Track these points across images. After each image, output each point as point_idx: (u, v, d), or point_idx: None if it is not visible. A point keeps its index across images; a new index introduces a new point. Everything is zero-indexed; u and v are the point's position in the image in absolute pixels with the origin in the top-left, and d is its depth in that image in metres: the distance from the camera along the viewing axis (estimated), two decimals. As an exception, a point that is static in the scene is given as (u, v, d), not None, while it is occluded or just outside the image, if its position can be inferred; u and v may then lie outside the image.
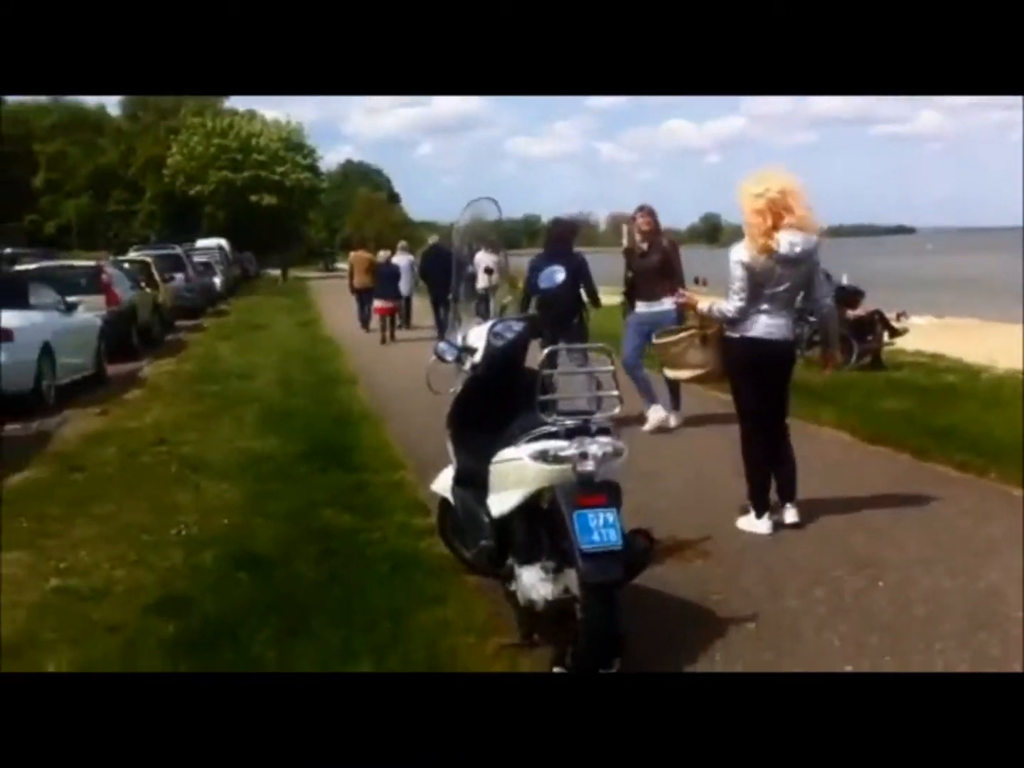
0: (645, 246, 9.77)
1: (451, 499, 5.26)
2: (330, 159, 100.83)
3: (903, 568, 5.56)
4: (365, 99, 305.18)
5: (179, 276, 27.58)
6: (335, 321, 25.35)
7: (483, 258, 21.14)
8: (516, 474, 4.39)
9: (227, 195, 62.18)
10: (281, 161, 63.52)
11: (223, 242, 44.54)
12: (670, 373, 6.81)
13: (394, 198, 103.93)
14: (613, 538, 4.08)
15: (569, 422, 4.31)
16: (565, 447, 4.26)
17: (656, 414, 9.71)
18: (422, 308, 21.96)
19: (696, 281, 9.96)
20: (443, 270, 19.35)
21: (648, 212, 9.81)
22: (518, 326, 5.17)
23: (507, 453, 4.48)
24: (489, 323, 5.14)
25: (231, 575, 5.60)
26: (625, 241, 10.51)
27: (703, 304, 6.42)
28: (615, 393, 4.44)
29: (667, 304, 9.36)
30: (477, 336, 5.13)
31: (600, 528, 4.09)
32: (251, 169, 62.23)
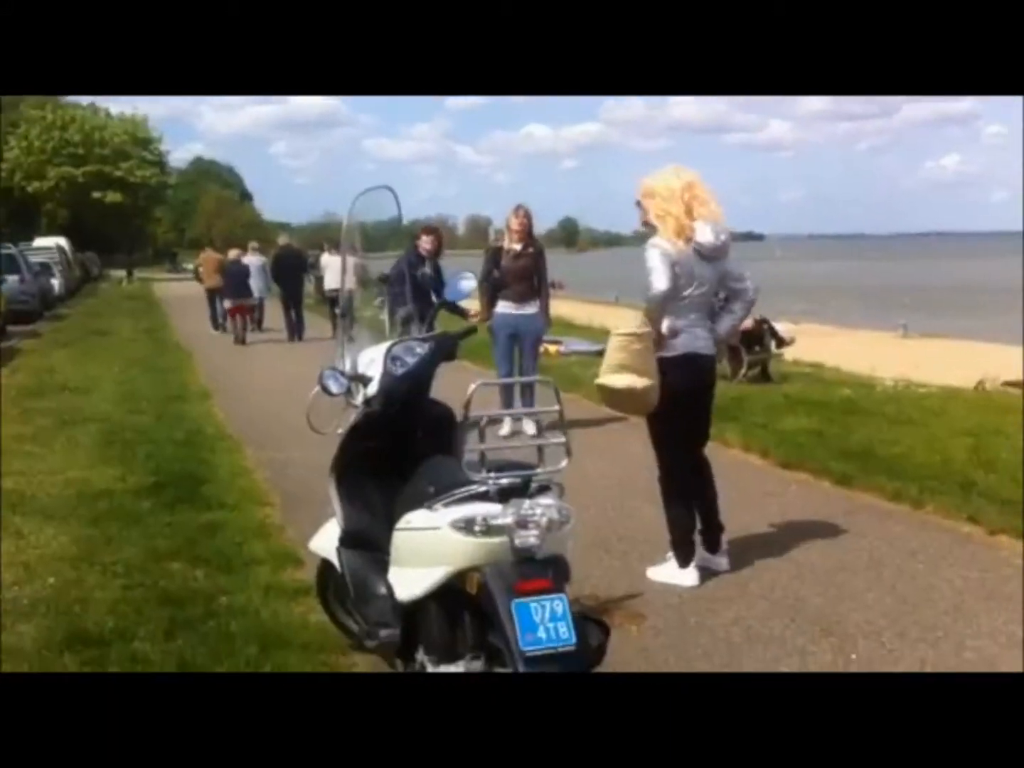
0: (518, 247, 9.35)
1: (335, 563, 4.19)
2: (180, 156, 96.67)
3: (873, 635, 4.72)
4: (215, 95, 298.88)
5: (13, 278, 25.47)
6: (184, 326, 24.01)
7: (330, 260, 20.69)
8: (432, 547, 3.37)
9: (68, 192, 59.07)
10: (126, 156, 60.64)
11: (63, 241, 41.83)
12: (621, 381, 5.23)
13: (246, 197, 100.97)
14: (564, 635, 3.12)
15: (504, 480, 3.31)
16: (498, 514, 3.26)
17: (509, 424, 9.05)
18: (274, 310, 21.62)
19: (553, 285, 10.20)
20: (294, 272, 20.74)
21: (524, 213, 9.41)
22: (422, 348, 4.12)
23: (418, 518, 3.45)
24: (385, 345, 4.09)
25: (56, 659, 4.40)
26: (495, 240, 9.99)
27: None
28: (562, 439, 3.43)
29: (534, 307, 9.36)
30: (370, 361, 4.08)
31: (546, 622, 3.12)
32: (94, 164, 59.18)
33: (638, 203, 5.48)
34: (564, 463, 3.40)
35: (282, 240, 23.21)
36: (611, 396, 5.35)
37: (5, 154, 57.69)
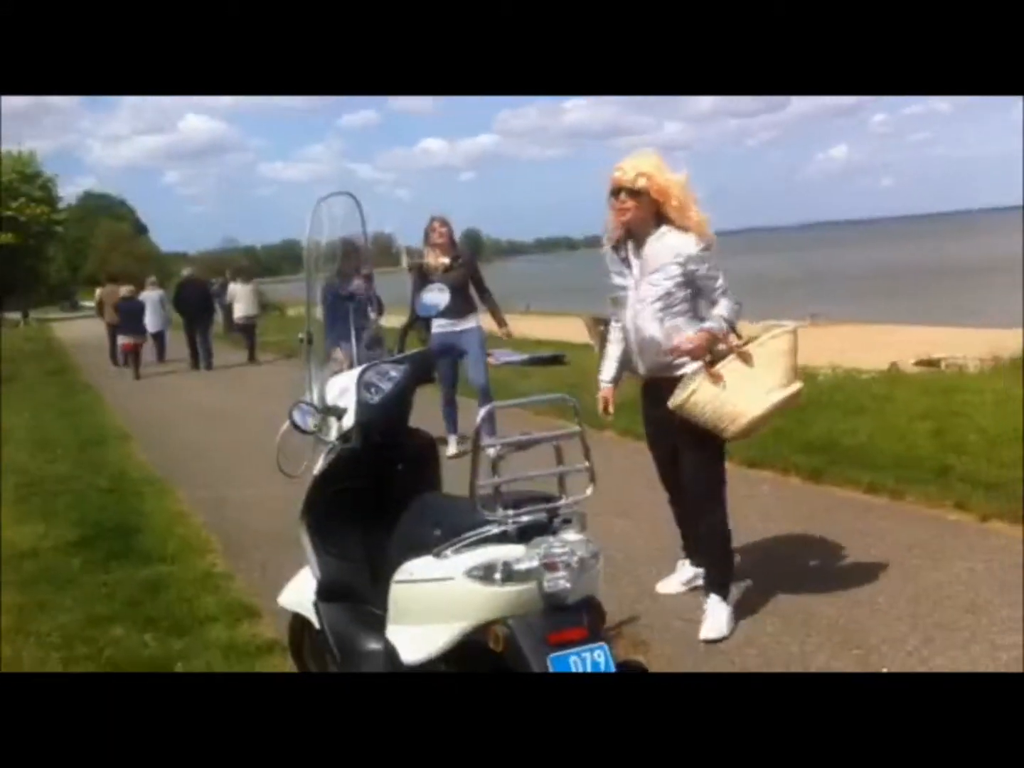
0: (446, 260, 8.69)
1: (312, 620, 3.70)
2: (69, 192, 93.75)
3: (898, 643, 4.38)
4: (103, 127, 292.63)
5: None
6: (90, 365, 23.00)
7: (237, 289, 20.33)
8: (444, 601, 2.92)
9: (-45, 233, 56.72)
10: (15, 195, 58.56)
11: (-48, 286, 40.21)
12: (733, 428, 4.43)
13: (141, 230, 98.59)
14: (609, 690, 2.67)
15: (525, 518, 2.86)
16: (522, 556, 2.81)
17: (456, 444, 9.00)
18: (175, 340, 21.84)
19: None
20: (198, 302, 20.94)
21: (442, 222, 8.86)
22: (396, 370, 3.66)
23: (423, 567, 2.99)
24: (356, 371, 3.62)
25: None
26: (406, 259, 9.12)
27: (709, 332, 4.48)
28: (585, 464, 2.99)
29: (473, 320, 8.86)
30: (341, 391, 3.60)
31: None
32: (-19, 205, 57.03)
33: (624, 192, 4.46)
34: (589, 491, 2.96)
35: (186, 272, 23.78)
36: (778, 408, 4.49)
37: None
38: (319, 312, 4.09)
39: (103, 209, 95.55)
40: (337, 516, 3.63)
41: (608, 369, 4.93)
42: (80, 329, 35.95)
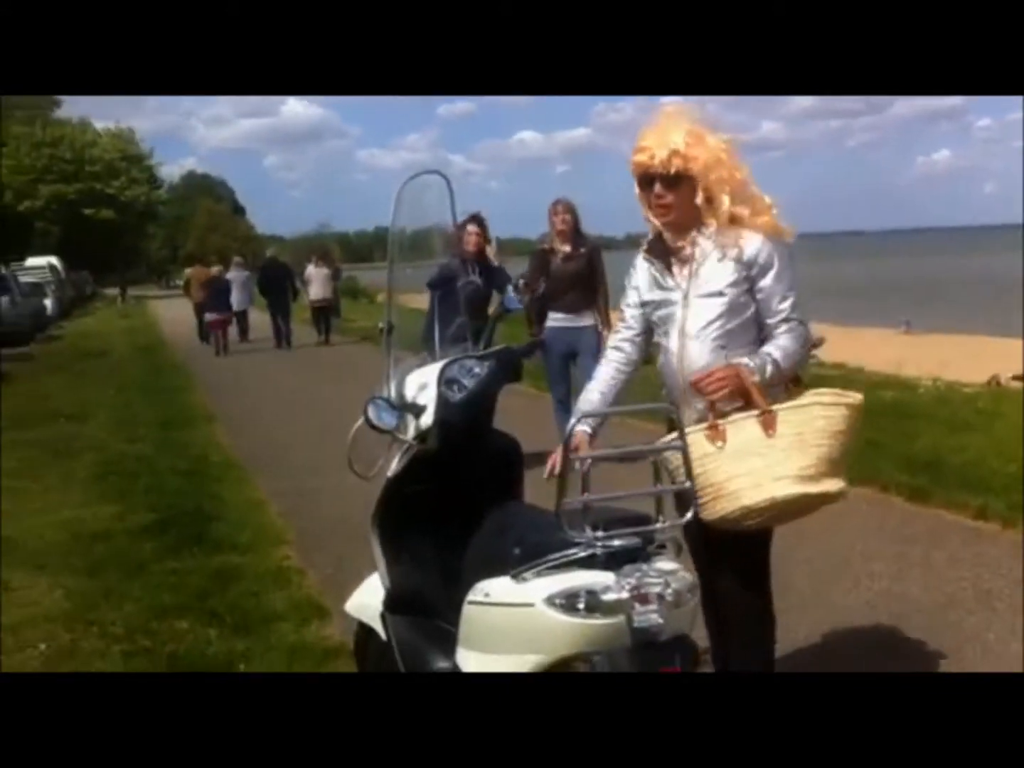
0: (567, 248, 7.98)
1: (379, 631, 3.46)
2: (172, 171, 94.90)
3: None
4: (207, 109, 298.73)
5: (4, 299, 24.80)
6: (181, 344, 23.33)
7: (315, 272, 20.81)
8: (521, 629, 2.65)
9: (59, 210, 58.04)
10: (116, 174, 59.72)
11: (55, 260, 40.98)
12: (709, 510, 3.03)
13: (239, 211, 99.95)
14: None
15: (616, 542, 2.57)
16: (611, 586, 2.52)
17: None
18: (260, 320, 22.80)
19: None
20: (279, 284, 21.77)
21: (565, 207, 8.00)
22: (481, 367, 3.38)
23: (500, 589, 2.72)
24: (437, 366, 3.35)
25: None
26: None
27: (753, 369, 3.15)
28: (686, 484, 2.68)
29: (590, 318, 8.07)
30: (420, 387, 3.34)
31: (679, 725, 2.38)
32: (85, 181, 58.21)
33: (659, 182, 3.23)
34: (690, 514, 2.65)
35: (269, 253, 25.57)
36: (788, 508, 3.10)
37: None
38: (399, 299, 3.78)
39: (204, 190, 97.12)
40: (411, 522, 3.38)
41: (590, 401, 3.38)
42: (176, 307, 36.38)
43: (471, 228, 7.60)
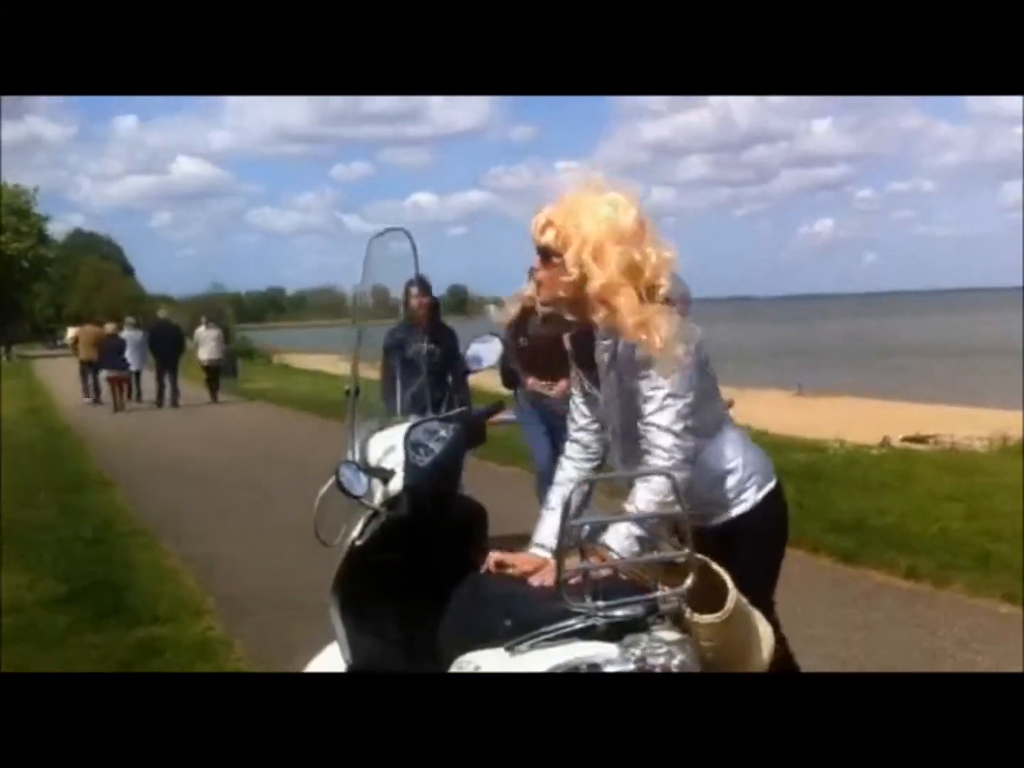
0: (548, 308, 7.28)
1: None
2: (57, 229, 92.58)
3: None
4: (93, 165, 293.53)
5: None
6: (70, 405, 22.66)
7: (205, 334, 20.93)
8: (519, 707, 2.49)
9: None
10: (1, 228, 58.14)
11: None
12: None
13: (127, 270, 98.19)
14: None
15: (619, 612, 2.45)
16: (614, 658, 2.40)
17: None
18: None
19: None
20: (170, 344, 22.22)
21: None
22: (446, 430, 3.25)
23: (491, 662, 2.56)
24: (402, 429, 3.21)
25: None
26: (495, 309, 7.87)
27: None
28: (685, 550, 2.56)
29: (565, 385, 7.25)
30: (384, 450, 3.19)
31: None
32: (-32, 237, 56.61)
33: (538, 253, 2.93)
34: (689, 581, 2.54)
35: (161, 314, 26.42)
36: None
37: None
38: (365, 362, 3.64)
39: (90, 247, 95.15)
40: (374, 593, 3.21)
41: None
42: (61, 366, 35.33)
43: (414, 291, 6.90)
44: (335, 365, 40.25)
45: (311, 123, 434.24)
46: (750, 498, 3.04)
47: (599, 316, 2.83)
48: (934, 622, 5.55)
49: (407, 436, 3.18)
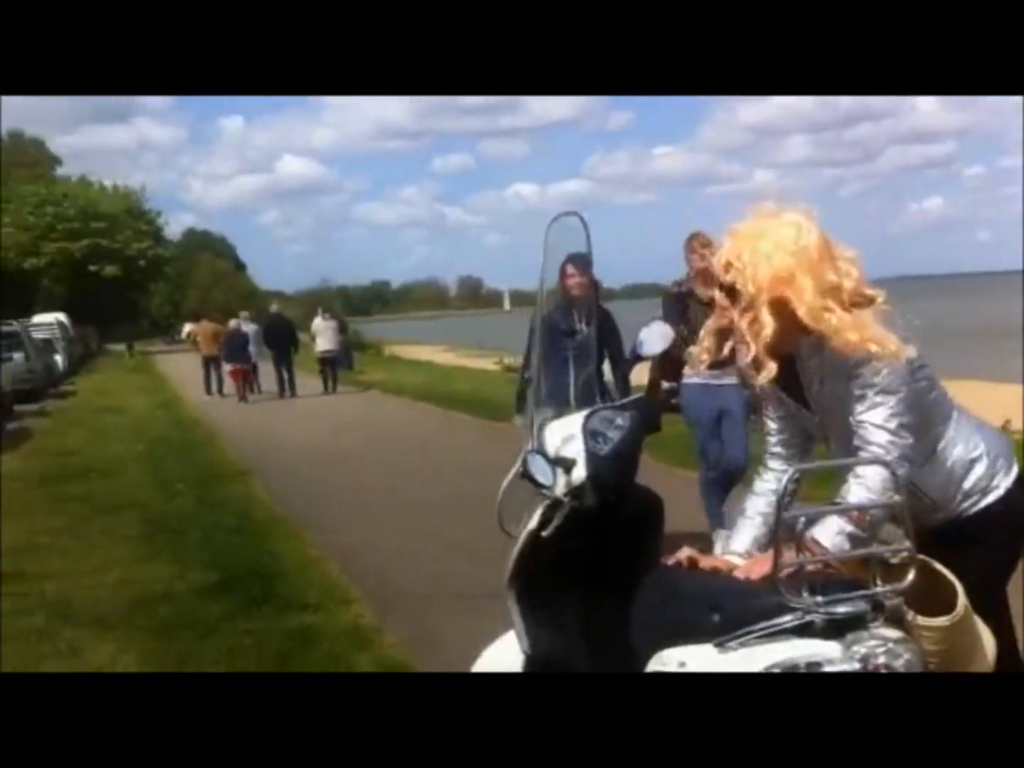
0: (710, 292, 6.28)
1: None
2: (171, 229, 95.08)
3: None
4: (203, 166, 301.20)
5: (17, 356, 24.78)
6: (197, 399, 23.22)
7: (321, 325, 21.50)
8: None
9: (64, 267, 58.13)
10: (121, 229, 59.86)
11: (62, 317, 40.95)
12: None
13: (240, 267, 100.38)
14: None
15: (841, 608, 2.38)
16: (837, 657, 2.33)
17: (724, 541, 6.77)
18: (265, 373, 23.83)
19: None
20: (283, 337, 22.93)
21: (704, 242, 6.52)
22: (623, 418, 3.18)
23: (700, 659, 2.51)
24: (579, 417, 3.17)
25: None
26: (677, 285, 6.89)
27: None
28: (905, 544, 2.49)
29: (731, 376, 6.04)
30: (565, 439, 3.14)
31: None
32: (90, 238, 58.27)
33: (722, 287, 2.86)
34: (910, 576, 2.44)
35: (273, 308, 26.70)
36: None
37: (-1, 231, 56.67)
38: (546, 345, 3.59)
39: (204, 246, 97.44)
40: (554, 583, 3.18)
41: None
42: (181, 361, 36.30)
43: (570, 270, 6.24)
44: (442, 355, 41.01)
45: (409, 118, 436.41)
46: (1001, 484, 2.90)
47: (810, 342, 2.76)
48: None
49: (585, 424, 3.13)
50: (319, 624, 5.75)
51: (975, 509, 2.92)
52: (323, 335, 23.27)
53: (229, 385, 23.67)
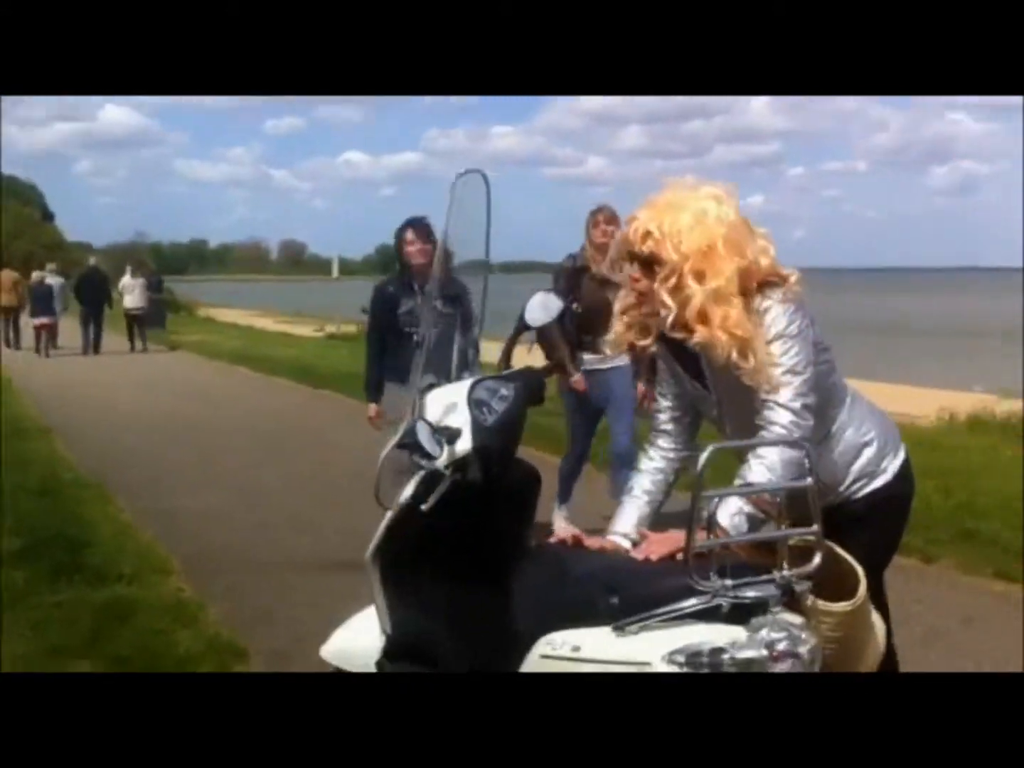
0: (606, 268, 6.02)
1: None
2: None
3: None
4: (18, 110, 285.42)
5: None
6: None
7: (129, 282, 21.31)
8: (629, 691, 2.24)
9: None
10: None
11: None
12: None
13: (48, 217, 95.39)
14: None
15: (750, 592, 2.22)
16: (742, 642, 2.17)
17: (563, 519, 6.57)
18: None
19: None
20: (98, 292, 22.47)
21: (608, 217, 6.17)
22: (507, 388, 2.96)
23: (595, 643, 2.32)
24: (463, 386, 2.93)
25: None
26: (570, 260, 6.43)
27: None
28: (814, 528, 2.35)
29: (622, 359, 6.04)
30: (447, 407, 2.90)
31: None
32: None
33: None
34: (817, 560, 2.31)
35: (91, 262, 26.46)
36: None
37: None
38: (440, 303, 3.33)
39: (11, 192, 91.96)
40: (422, 561, 2.93)
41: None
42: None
43: (409, 236, 5.82)
44: (259, 320, 39.74)
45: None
46: (888, 468, 2.93)
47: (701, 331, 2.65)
48: (935, 599, 5.45)
49: (470, 394, 2.90)
50: (136, 597, 5.34)
51: (862, 492, 2.94)
52: (131, 292, 23.06)
53: (27, 339, 23.20)
